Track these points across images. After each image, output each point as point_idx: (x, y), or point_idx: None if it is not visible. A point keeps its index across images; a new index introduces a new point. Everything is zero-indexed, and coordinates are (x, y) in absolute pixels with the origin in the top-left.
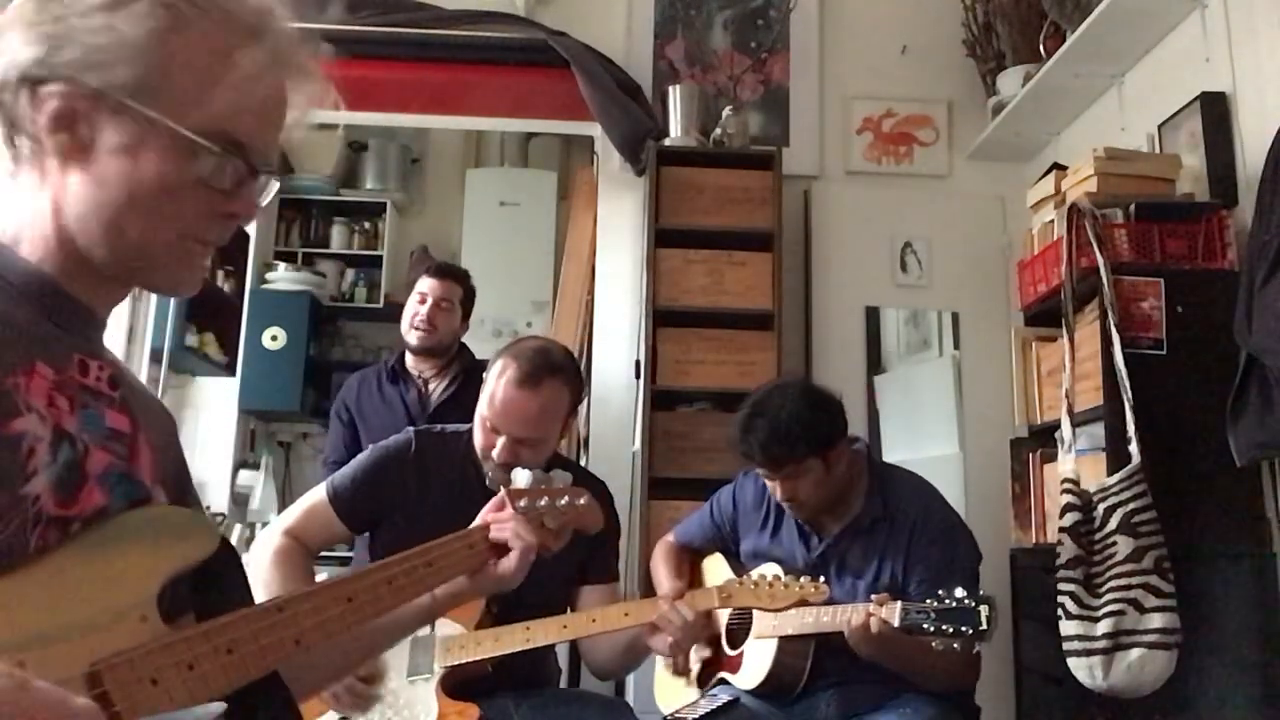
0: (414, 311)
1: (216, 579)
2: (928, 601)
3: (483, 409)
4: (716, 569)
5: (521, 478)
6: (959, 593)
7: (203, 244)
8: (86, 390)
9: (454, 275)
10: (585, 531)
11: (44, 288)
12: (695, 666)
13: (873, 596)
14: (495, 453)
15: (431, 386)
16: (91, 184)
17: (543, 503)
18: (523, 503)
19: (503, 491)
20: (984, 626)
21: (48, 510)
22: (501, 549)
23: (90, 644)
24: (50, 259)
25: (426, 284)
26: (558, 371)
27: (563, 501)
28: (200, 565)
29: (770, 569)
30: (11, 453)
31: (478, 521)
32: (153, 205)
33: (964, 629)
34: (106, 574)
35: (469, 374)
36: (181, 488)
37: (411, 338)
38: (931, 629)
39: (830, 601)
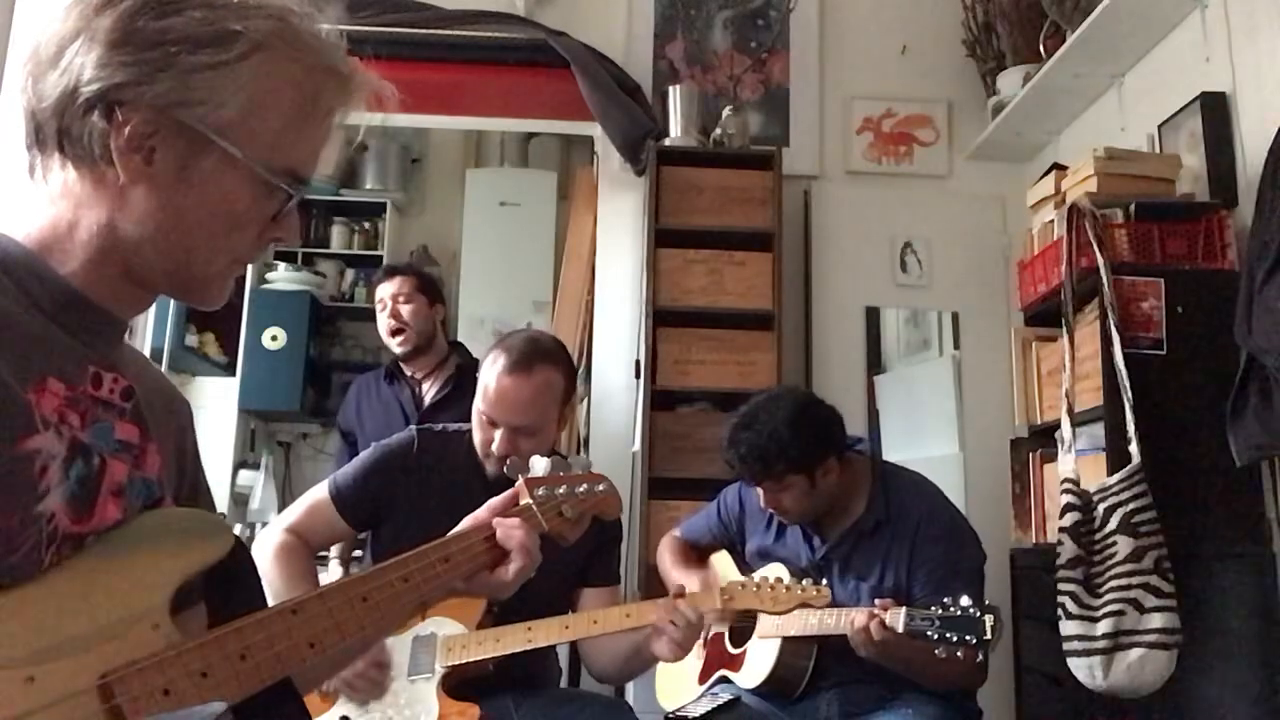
0: (382, 321)
1: (229, 578)
2: (932, 609)
3: (478, 403)
4: (723, 566)
5: (539, 465)
6: (964, 601)
7: (244, 265)
8: (98, 403)
9: (398, 270)
10: (605, 518)
11: (68, 300)
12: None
13: (877, 600)
14: (494, 445)
15: (425, 387)
16: (159, 205)
17: (561, 490)
18: (541, 491)
19: (520, 480)
20: (988, 637)
21: (62, 528)
22: (503, 552)
23: (102, 654)
24: (84, 270)
25: (379, 290)
26: (547, 356)
27: (581, 488)
28: (212, 566)
29: (774, 570)
30: (24, 471)
31: (482, 513)
32: (218, 233)
33: (968, 638)
34: (117, 582)
35: (463, 374)
36: (194, 484)
37: (392, 345)
38: (935, 636)
39: (834, 603)
